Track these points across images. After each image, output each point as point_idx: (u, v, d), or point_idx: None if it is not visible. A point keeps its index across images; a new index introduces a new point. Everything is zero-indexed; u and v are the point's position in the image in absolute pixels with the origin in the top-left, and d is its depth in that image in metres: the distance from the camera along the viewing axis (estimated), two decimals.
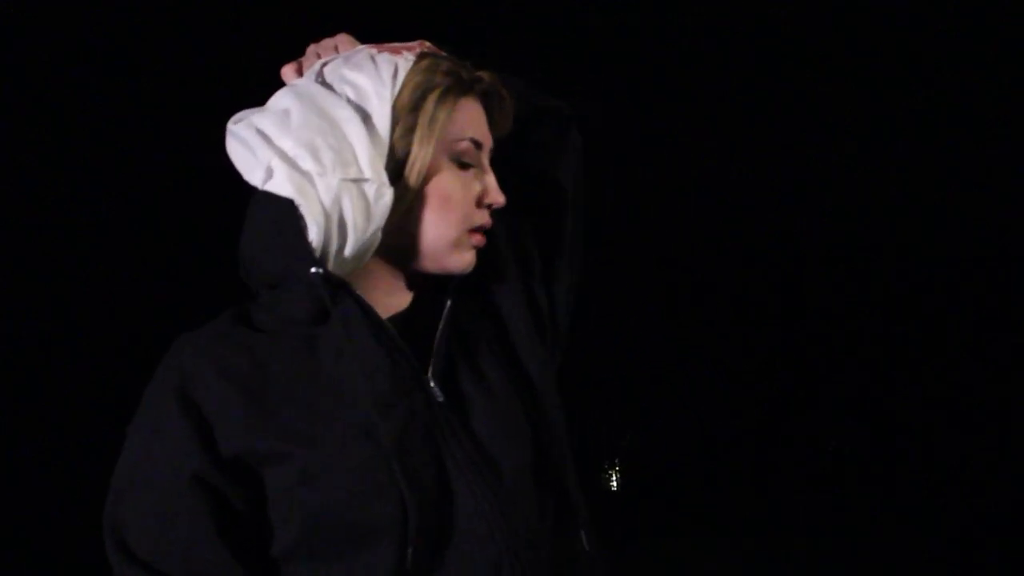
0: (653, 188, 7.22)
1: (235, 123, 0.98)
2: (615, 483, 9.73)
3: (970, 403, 6.66)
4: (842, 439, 8.49)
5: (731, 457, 8.71)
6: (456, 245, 1.00)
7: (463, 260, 1.01)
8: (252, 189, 0.97)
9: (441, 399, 0.96)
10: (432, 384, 0.96)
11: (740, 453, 8.72)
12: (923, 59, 6.16)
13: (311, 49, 1.07)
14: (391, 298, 1.02)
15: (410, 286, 1.04)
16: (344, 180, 0.92)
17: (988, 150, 6.48)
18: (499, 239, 1.07)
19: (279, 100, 0.98)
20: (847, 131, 6.88)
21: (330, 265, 0.94)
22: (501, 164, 1.05)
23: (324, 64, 1.00)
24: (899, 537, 6.31)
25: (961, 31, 5.88)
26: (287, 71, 1.05)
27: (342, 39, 1.06)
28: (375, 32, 1.13)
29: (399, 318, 1.01)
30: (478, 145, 1.02)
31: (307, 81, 0.99)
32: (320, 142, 0.93)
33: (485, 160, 1.03)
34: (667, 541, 7.13)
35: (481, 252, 1.03)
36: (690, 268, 8.32)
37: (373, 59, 0.98)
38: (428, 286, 1.05)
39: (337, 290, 0.93)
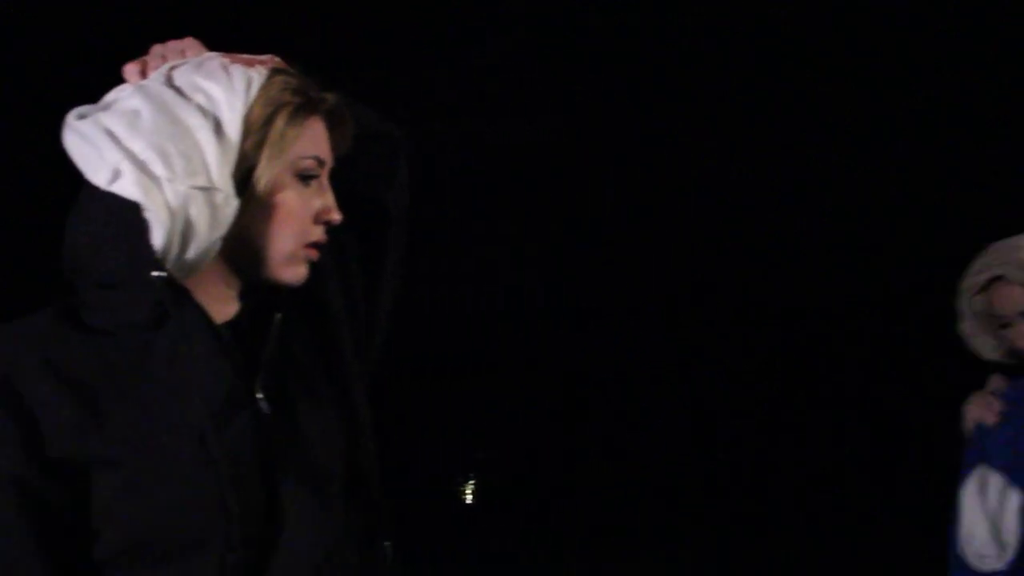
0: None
1: (78, 118, 0.98)
2: (470, 496, 9.94)
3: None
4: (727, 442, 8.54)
5: (589, 467, 8.75)
6: (292, 258, 1.03)
7: (297, 273, 1.04)
8: (79, 185, 0.96)
9: (268, 411, 0.99)
10: (260, 396, 0.99)
11: (596, 462, 8.74)
12: (924, 59, 6.15)
13: (156, 50, 1.05)
14: (223, 305, 1.03)
15: (240, 295, 1.06)
16: (192, 187, 0.94)
17: (988, 150, 6.46)
18: (327, 255, 1.10)
19: (128, 101, 0.98)
20: (847, 131, 6.87)
21: (169, 269, 0.95)
22: (332, 183, 1.09)
23: (173, 68, 1.00)
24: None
25: (961, 31, 5.87)
26: (130, 69, 1.03)
27: (190, 43, 1.06)
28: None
29: (229, 326, 1.03)
30: (321, 163, 1.05)
31: (156, 83, 0.99)
32: (171, 148, 0.94)
33: (325, 178, 1.07)
34: (522, 552, 7.18)
35: (311, 266, 1.06)
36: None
37: (226, 69, 0.99)
38: (257, 296, 1.07)
39: (177, 295, 0.94)
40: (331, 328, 1.11)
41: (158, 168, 0.93)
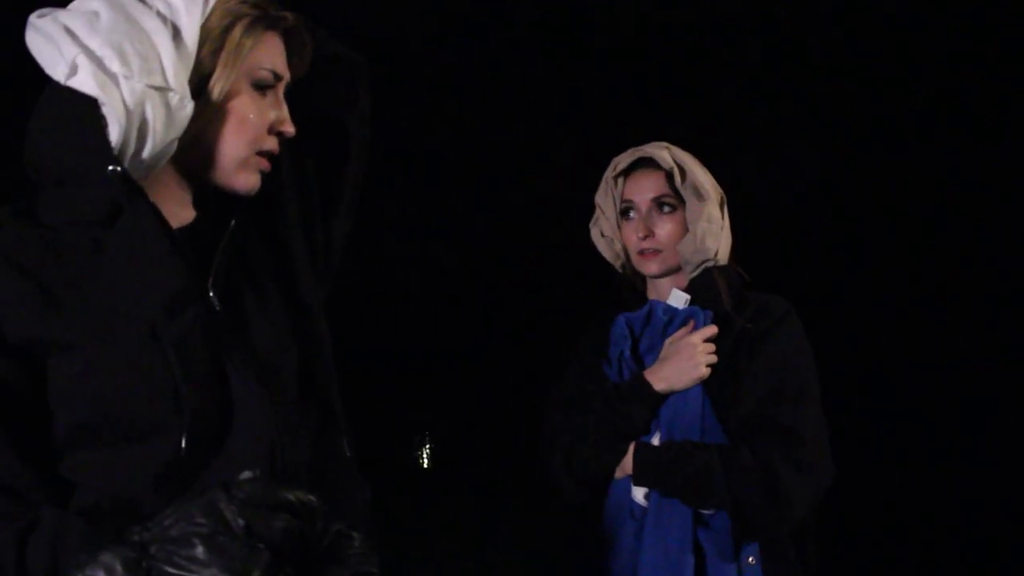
0: None
1: (39, 17, 1.01)
2: (426, 461, 10.09)
3: (973, 403, 6.63)
4: None
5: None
6: (244, 164, 1.07)
7: (249, 180, 1.08)
8: (44, 82, 0.99)
9: (218, 308, 1.03)
10: (212, 293, 1.03)
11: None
12: (924, 59, 6.11)
13: None
14: (178, 209, 1.07)
15: (195, 204, 1.10)
16: (148, 87, 0.97)
17: (989, 150, 6.44)
18: (284, 173, 1.16)
19: (87, 3, 1.01)
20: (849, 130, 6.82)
21: (125, 167, 0.97)
22: (292, 106, 1.13)
23: None
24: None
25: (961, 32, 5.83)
26: None
27: None
28: None
29: (185, 231, 1.07)
30: (277, 77, 1.09)
31: None
32: (128, 47, 0.97)
33: (280, 93, 1.10)
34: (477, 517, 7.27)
35: (266, 182, 1.11)
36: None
37: None
38: (213, 207, 1.10)
39: (132, 191, 0.97)
40: (285, 242, 1.15)
41: (115, 65, 0.96)
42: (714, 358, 1.63)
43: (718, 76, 6.18)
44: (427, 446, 10.30)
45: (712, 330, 1.64)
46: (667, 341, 1.66)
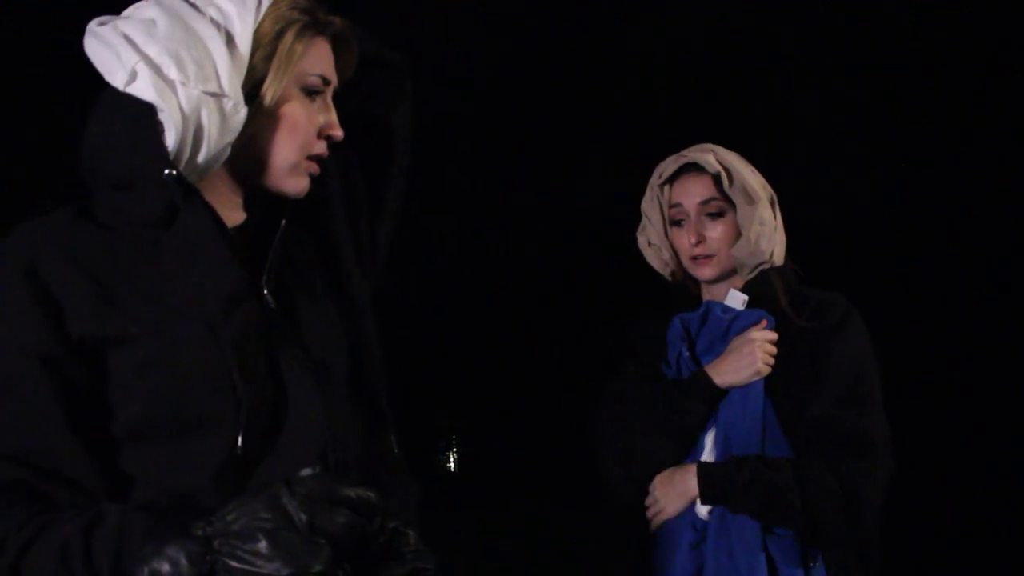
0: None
1: (99, 25, 1.03)
2: (453, 464, 10.06)
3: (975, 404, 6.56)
4: None
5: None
6: (294, 168, 1.10)
7: (299, 184, 1.11)
8: (102, 89, 1.02)
9: (273, 306, 1.06)
10: (266, 292, 1.06)
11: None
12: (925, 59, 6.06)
13: None
14: (230, 212, 1.09)
15: (246, 206, 1.12)
16: (204, 93, 0.99)
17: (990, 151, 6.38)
18: (332, 174, 1.18)
19: (144, 11, 1.03)
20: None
21: (181, 170, 0.99)
22: (338, 107, 1.15)
23: None
24: None
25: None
26: None
27: None
28: None
29: (236, 231, 1.09)
30: (326, 82, 1.11)
31: None
32: (185, 54, 0.99)
33: (329, 97, 1.13)
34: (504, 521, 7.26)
35: (314, 183, 1.13)
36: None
37: None
38: (263, 208, 1.13)
39: (188, 193, 0.99)
40: (333, 241, 1.18)
41: (172, 72, 0.98)
42: (772, 357, 1.62)
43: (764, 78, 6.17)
44: (454, 451, 10.31)
45: (773, 335, 1.63)
46: (734, 338, 1.65)
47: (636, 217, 1.79)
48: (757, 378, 1.61)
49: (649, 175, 1.76)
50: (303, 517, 0.78)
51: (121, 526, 0.85)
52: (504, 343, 9.08)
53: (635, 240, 1.80)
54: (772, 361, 1.61)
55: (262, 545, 0.77)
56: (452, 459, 10.47)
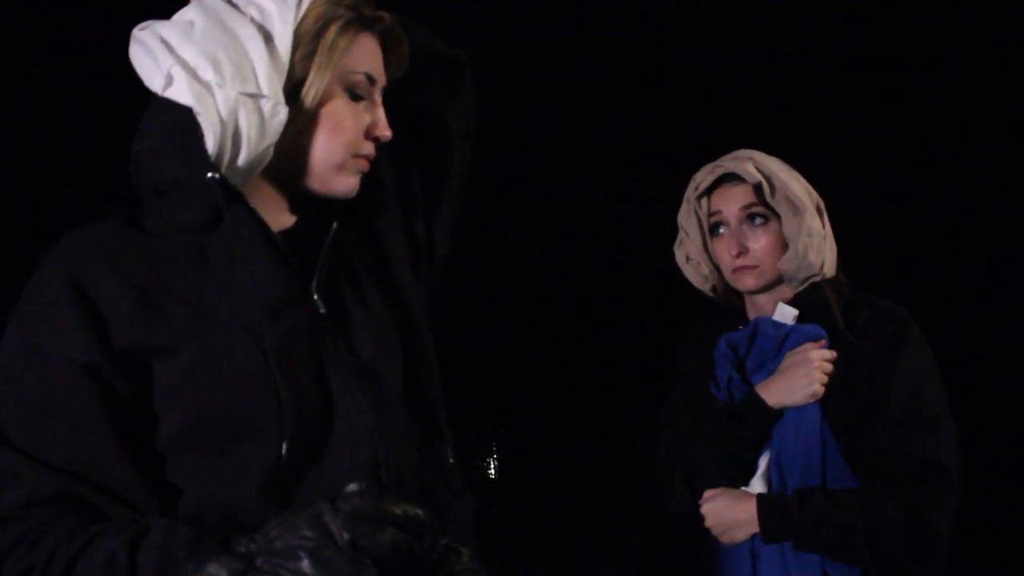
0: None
1: (140, 30, 1.02)
2: (493, 471, 10.00)
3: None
4: None
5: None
6: (341, 168, 1.06)
7: (347, 184, 1.07)
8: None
9: (323, 311, 1.02)
10: (316, 296, 1.02)
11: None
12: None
13: None
14: (278, 215, 1.07)
15: (295, 208, 1.09)
16: (242, 94, 0.96)
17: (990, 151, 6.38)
18: (384, 174, 1.14)
19: (184, 13, 1.02)
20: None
21: (223, 174, 0.97)
22: (392, 103, 1.11)
23: None
24: None
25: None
26: None
27: None
28: None
29: (285, 235, 1.06)
30: (372, 80, 1.07)
31: None
32: (221, 55, 0.97)
33: (377, 96, 1.08)
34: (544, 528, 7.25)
35: (365, 185, 1.09)
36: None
37: None
38: (313, 210, 1.09)
39: (231, 197, 0.97)
40: (386, 244, 1.14)
41: (208, 74, 0.96)
42: (827, 377, 1.52)
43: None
44: (494, 457, 10.23)
45: (832, 354, 1.53)
46: (787, 354, 1.55)
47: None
48: (812, 400, 1.51)
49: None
50: (345, 536, 0.75)
51: (165, 541, 0.83)
52: (545, 347, 8.98)
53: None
54: (827, 381, 1.52)
55: (304, 564, 0.74)
56: (492, 465, 10.37)
